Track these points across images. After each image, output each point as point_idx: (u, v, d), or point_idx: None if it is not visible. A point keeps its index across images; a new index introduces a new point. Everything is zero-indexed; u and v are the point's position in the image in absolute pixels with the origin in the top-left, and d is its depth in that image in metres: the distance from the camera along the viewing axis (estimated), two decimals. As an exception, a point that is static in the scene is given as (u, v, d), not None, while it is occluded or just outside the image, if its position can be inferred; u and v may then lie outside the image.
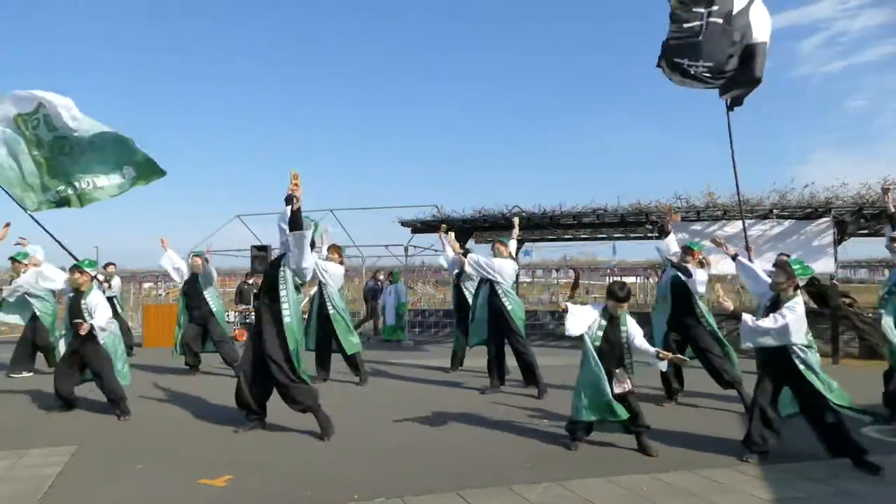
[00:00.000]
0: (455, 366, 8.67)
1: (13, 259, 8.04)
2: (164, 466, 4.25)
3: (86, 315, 5.79)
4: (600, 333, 4.72)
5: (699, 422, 5.56)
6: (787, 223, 10.11)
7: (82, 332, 5.65)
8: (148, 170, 7.50)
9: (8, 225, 7.32)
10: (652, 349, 4.79)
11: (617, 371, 4.66)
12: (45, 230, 6.86)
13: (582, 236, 14.81)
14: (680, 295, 6.36)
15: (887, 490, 3.80)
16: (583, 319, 4.76)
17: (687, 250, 6.51)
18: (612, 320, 4.75)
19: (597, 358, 4.66)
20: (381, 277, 15.17)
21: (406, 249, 14.21)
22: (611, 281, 4.96)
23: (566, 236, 14.77)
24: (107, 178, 7.38)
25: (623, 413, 4.56)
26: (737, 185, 6.96)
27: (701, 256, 6.52)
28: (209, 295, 8.26)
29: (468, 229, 12.84)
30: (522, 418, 5.67)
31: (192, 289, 8.30)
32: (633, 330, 4.76)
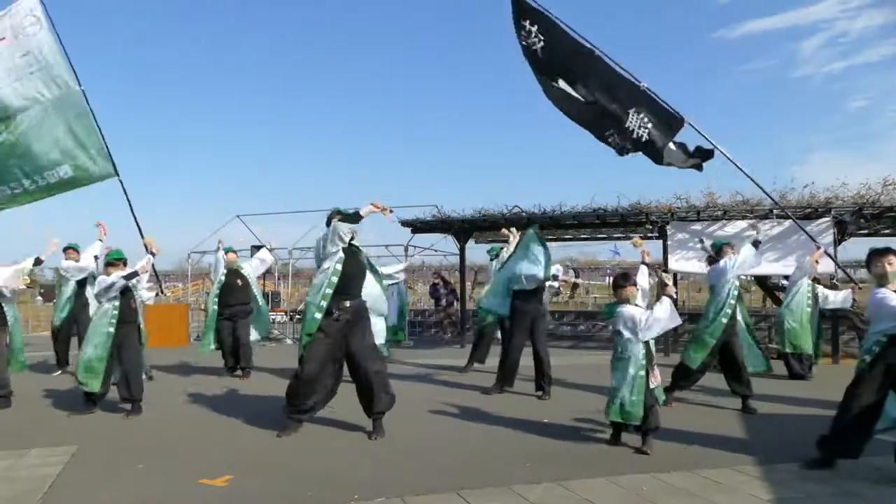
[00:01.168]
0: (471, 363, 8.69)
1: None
2: (164, 466, 4.26)
3: (140, 305, 6.21)
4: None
5: (699, 422, 5.56)
6: (787, 223, 10.10)
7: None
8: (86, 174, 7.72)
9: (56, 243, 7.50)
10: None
11: (654, 364, 4.59)
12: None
13: (582, 236, 14.82)
14: None
15: (887, 490, 3.80)
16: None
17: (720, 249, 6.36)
18: None
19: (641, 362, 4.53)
20: (438, 280, 15.08)
21: (406, 249, 14.22)
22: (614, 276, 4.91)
23: (566, 236, 14.78)
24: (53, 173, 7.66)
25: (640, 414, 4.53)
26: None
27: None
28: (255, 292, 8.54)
29: (468, 229, 12.85)
30: (522, 418, 5.67)
31: (232, 285, 8.28)
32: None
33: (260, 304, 8.57)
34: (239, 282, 8.30)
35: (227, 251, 8.47)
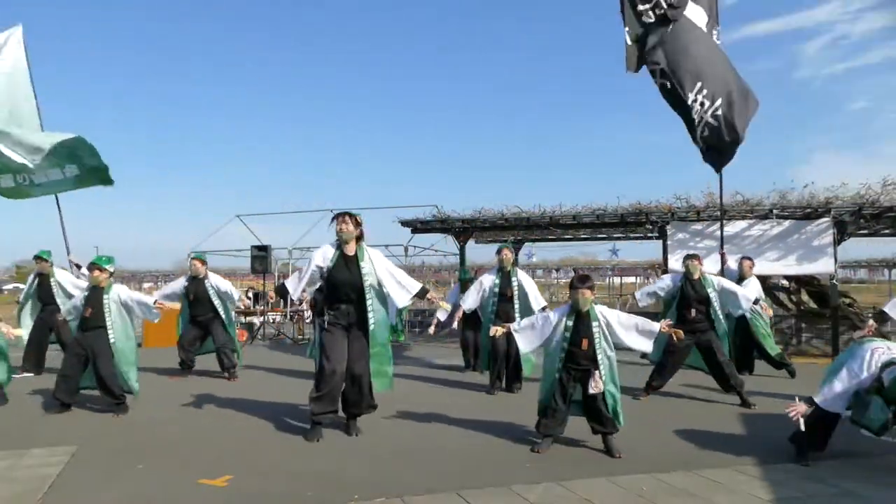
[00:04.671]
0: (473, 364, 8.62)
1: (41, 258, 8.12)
2: (164, 466, 4.25)
3: (106, 311, 5.89)
4: (567, 335, 4.56)
5: (699, 422, 5.56)
6: (787, 223, 10.12)
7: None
8: (94, 175, 8.44)
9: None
10: (652, 327, 4.59)
11: (595, 371, 4.52)
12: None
13: (582, 236, 14.82)
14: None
15: (887, 490, 3.80)
16: (535, 333, 4.74)
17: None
18: (580, 317, 4.56)
19: (557, 370, 4.61)
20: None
21: (406, 249, 14.22)
22: (575, 274, 4.87)
23: (566, 236, 14.78)
24: (44, 174, 8.32)
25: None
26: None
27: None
28: (217, 300, 8.10)
29: (468, 229, 12.85)
30: (522, 418, 5.66)
31: (196, 292, 8.10)
32: (609, 319, 4.57)
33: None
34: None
35: (196, 258, 8.26)
